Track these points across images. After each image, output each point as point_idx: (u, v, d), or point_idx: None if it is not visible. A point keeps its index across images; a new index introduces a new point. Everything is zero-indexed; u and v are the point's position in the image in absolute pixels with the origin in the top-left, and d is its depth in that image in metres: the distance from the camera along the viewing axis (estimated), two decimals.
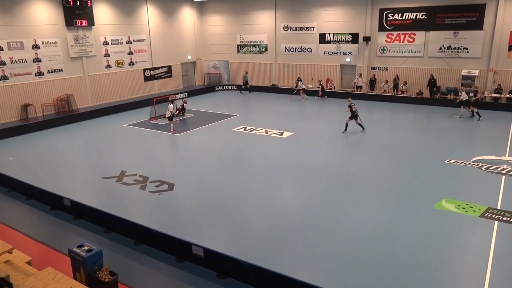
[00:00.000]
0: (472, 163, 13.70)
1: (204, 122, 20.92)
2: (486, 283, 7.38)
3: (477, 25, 23.18)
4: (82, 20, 23.57)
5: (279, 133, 18.14)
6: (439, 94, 24.68)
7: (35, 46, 21.93)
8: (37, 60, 22.07)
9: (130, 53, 27.39)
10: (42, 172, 13.78)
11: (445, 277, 7.63)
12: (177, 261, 8.44)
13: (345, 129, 18.05)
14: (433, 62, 24.96)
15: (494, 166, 13.34)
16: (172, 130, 18.47)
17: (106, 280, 6.66)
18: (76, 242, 7.48)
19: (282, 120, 20.69)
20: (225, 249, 8.27)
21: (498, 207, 10.40)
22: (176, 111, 21.84)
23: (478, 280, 7.49)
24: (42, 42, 22.18)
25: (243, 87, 30.36)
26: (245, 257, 7.71)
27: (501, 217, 9.86)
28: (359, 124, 18.10)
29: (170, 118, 18.69)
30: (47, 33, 22.41)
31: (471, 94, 20.44)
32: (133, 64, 27.68)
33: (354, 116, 17.94)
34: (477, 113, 19.98)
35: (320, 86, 27.04)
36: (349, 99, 18.59)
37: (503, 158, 14.16)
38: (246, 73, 30.80)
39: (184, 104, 22.83)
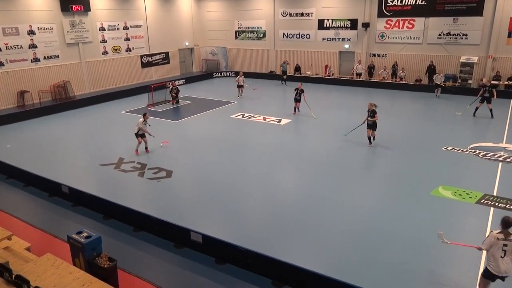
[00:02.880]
0: (469, 150, 13.74)
1: (202, 109, 20.85)
2: (481, 268, 7.47)
3: (477, 11, 22.99)
4: (78, 6, 23.25)
5: (277, 120, 18.11)
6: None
7: (31, 32, 21.67)
8: (33, 46, 21.84)
9: (127, 39, 27.12)
10: (40, 159, 13.76)
11: (441, 263, 7.73)
12: (176, 247, 8.50)
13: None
14: (432, 48, 24.82)
15: (491, 153, 13.39)
16: (135, 151, 14.06)
17: (105, 266, 6.71)
18: (75, 228, 7.51)
19: (280, 107, 20.63)
20: (224, 235, 8.33)
21: (494, 194, 10.47)
22: (172, 97, 21.78)
23: (473, 266, 7.59)
24: (38, 28, 21.92)
25: (284, 77, 27.08)
26: (244, 243, 7.78)
27: (497, 204, 9.94)
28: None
29: (137, 135, 14.01)
30: (43, 18, 22.13)
31: (486, 94, 17.71)
32: (130, 51, 27.43)
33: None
34: (490, 110, 17.87)
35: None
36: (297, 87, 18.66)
37: (500, 145, 14.21)
38: (285, 62, 27.66)
39: (173, 87, 22.06)
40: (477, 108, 18.13)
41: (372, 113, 14.03)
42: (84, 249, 6.79)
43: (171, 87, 22.23)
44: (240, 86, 23.13)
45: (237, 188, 11.30)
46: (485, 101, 17.82)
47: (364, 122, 14.41)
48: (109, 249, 7.53)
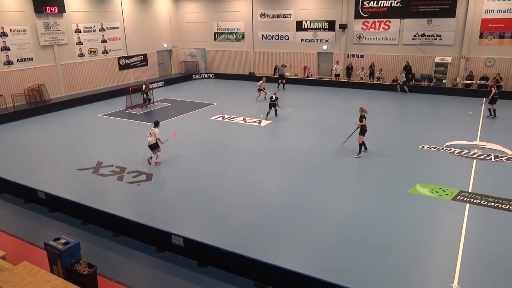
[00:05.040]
0: (445, 148, 14.10)
1: (182, 111, 20.70)
2: (458, 263, 7.69)
3: (450, 13, 23.65)
4: (52, 7, 22.73)
5: (257, 122, 18.14)
6: (413, 81, 25.18)
7: (3, 34, 21.06)
8: (5, 48, 21.23)
9: (104, 41, 26.69)
10: (15, 165, 13.38)
11: (419, 258, 7.90)
12: (157, 251, 8.40)
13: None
14: (407, 49, 25.38)
15: (466, 151, 13.77)
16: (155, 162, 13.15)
17: (85, 272, 6.58)
18: (52, 235, 7.33)
19: (260, 109, 20.67)
20: (205, 238, 8.29)
21: (470, 190, 10.78)
22: (143, 99, 21.37)
23: (451, 260, 7.79)
24: (10, 30, 21.32)
25: (283, 81, 25.72)
26: (226, 245, 7.76)
27: (472, 200, 10.23)
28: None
29: (155, 146, 12.98)
30: (15, 20, 21.54)
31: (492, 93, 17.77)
32: (107, 53, 27.00)
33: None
34: (494, 110, 17.96)
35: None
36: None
37: (474, 143, 14.64)
38: (283, 65, 26.38)
39: (145, 87, 21.54)
40: (489, 110, 18.03)
41: (360, 117, 13.62)
42: (62, 256, 6.64)
43: (145, 87, 21.62)
44: (260, 90, 22.63)
45: (218, 190, 11.26)
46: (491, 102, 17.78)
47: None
48: (88, 255, 7.39)
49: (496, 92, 17.80)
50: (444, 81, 24.42)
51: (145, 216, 9.55)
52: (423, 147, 14.30)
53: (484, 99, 19.32)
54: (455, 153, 13.62)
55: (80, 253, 6.94)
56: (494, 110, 18.01)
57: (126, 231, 8.94)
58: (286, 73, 28.69)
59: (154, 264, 8.03)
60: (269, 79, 27.77)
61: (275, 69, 29.20)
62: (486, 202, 10.07)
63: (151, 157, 13.19)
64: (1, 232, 9.25)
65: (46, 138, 16.69)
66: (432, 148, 14.14)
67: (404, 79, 23.89)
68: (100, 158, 13.77)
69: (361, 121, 13.57)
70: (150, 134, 12.78)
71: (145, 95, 21.70)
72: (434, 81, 24.67)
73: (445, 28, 24.00)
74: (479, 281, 7.23)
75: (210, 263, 7.85)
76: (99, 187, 11.60)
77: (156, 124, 12.93)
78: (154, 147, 12.88)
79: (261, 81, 22.91)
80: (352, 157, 13.54)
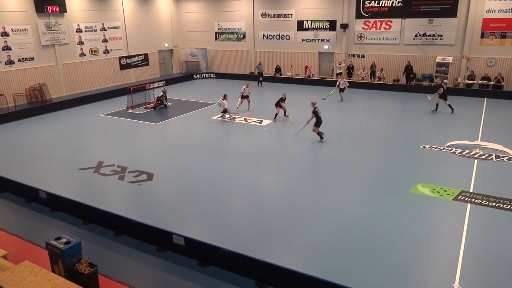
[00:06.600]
0: (446, 148, 14.09)
1: (183, 110, 20.70)
2: (459, 263, 7.68)
3: (451, 12, 23.62)
4: (54, 7, 22.76)
5: (259, 121, 18.14)
6: (415, 81, 25.15)
7: (4, 34, 21.09)
8: (6, 48, 21.26)
9: (105, 40, 26.71)
10: (16, 164, 13.39)
11: (420, 258, 7.89)
12: (158, 250, 8.41)
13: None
14: (409, 49, 25.35)
15: (467, 151, 13.75)
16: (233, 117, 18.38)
17: (86, 272, 6.59)
18: (53, 234, 7.33)
19: (261, 108, 20.66)
20: (206, 237, 8.29)
21: (471, 190, 10.76)
22: (158, 101, 21.36)
23: (452, 260, 7.78)
24: (12, 30, 21.35)
25: (260, 79, 26.88)
26: (227, 245, 7.75)
27: (473, 200, 10.21)
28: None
29: (225, 111, 18.37)
30: (17, 20, 21.57)
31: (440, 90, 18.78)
32: (108, 52, 27.03)
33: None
34: (449, 106, 18.74)
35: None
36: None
37: (475, 142, 14.62)
38: (260, 64, 27.63)
39: (164, 93, 21.78)
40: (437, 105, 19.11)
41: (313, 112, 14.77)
42: (64, 255, 6.64)
43: (162, 94, 21.54)
44: (244, 97, 20.21)
45: (218, 190, 11.26)
46: (443, 98, 18.73)
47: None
48: (89, 254, 7.39)
49: (446, 88, 18.84)
50: (445, 81, 24.37)
51: (146, 215, 9.56)
52: (424, 147, 14.29)
53: (429, 95, 20.08)
54: (456, 153, 13.61)
55: (81, 252, 6.94)
56: (447, 106, 18.75)
57: (127, 230, 8.95)
58: (287, 73, 28.77)
59: (155, 264, 8.04)
60: (270, 79, 27.89)
61: (276, 69, 29.23)
62: (487, 202, 10.06)
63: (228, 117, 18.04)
64: (3, 231, 9.27)
65: (47, 137, 16.71)
66: (433, 148, 14.13)
67: (347, 85, 22.21)
68: (101, 157, 13.78)
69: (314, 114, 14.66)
70: (220, 104, 18.14)
71: (159, 101, 21.38)
72: (435, 81, 24.64)
73: (447, 28, 23.96)
74: (480, 281, 7.22)
75: (211, 262, 7.85)
76: (100, 187, 11.61)
77: (225, 97, 18.17)
78: (225, 111, 18.26)
79: (244, 86, 20.35)
80: (352, 158, 13.54)
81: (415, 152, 13.86)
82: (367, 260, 7.85)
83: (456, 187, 10.95)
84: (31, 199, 10.76)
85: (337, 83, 22.07)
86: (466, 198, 10.31)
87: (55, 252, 6.77)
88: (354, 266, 7.69)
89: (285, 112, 18.52)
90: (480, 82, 23.35)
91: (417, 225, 9.13)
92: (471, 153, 13.54)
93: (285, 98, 18.47)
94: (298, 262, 7.73)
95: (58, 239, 6.86)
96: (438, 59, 24.32)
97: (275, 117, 18.26)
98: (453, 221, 9.31)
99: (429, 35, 24.59)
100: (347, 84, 22.20)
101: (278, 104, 18.23)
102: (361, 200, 10.47)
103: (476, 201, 10.16)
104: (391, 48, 25.91)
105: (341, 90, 21.96)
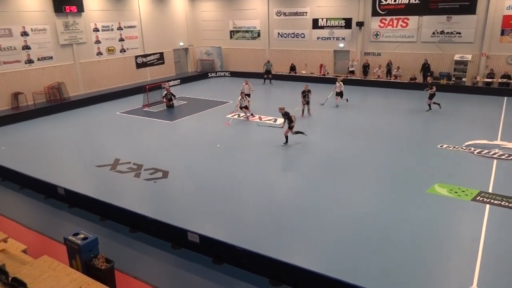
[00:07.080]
0: (464, 148, 13.82)
1: (198, 109, 20.82)
2: (478, 265, 7.53)
3: (470, 9, 23.12)
4: (71, 6, 23.12)
5: (273, 120, 18.11)
6: (432, 79, 24.69)
7: (24, 33, 21.54)
8: (26, 47, 21.71)
9: (121, 39, 27.02)
10: (35, 161, 13.68)
11: (438, 259, 7.77)
12: (173, 247, 8.48)
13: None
14: (426, 47, 24.94)
15: (486, 151, 13.47)
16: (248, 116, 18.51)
17: (103, 267, 6.69)
18: (71, 230, 7.48)
19: (275, 106, 20.56)
20: (221, 235, 8.32)
21: (490, 191, 10.54)
22: (167, 100, 21.43)
23: (470, 261, 7.64)
24: (31, 29, 21.79)
25: (265, 76, 27.44)
26: (241, 243, 7.77)
27: (492, 201, 10.01)
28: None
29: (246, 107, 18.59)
30: (36, 19, 22.00)
31: (427, 89, 19.00)
32: (125, 51, 27.34)
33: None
34: (434, 103, 18.88)
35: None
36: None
37: (494, 142, 14.31)
38: (268, 61, 27.94)
39: (168, 91, 21.40)
40: (430, 104, 19.07)
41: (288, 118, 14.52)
42: (81, 250, 6.76)
43: (165, 92, 21.62)
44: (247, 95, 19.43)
45: (233, 188, 11.30)
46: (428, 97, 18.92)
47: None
48: (106, 250, 7.49)
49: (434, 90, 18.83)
50: (463, 79, 23.93)
51: (161, 212, 9.65)
52: (442, 146, 14.05)
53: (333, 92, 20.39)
54: (475, 153, 13.34)
55: (98, 248, 7.05)
56: (433, 104, 18.95)
57: (143, 227, 9.05)
58: (302, 71, 28.62)
59: (170, 260, 8.11)
60: (285, 77, 27.80)
61: (291, 67, 29.12)
62: (506, 203, 9.84)
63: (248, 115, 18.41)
64: (23, 226, 9.50)
65: (65, 135, 17.01)
66: (451, 148, 13.88)
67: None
68: (118, 155, 13.96)
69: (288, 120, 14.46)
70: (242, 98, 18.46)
71: (166, 99, 21.52)
72: (454, 79, 24.20)
73: (465, 25, 23.48)
74: (499, 284, 7.07)
75: (225, 260, 7.88)
76: (116, 184, 11.77)
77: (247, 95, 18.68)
78: (246, 108, 18.45)
79: (243, 84, 19.96)
80: (369, 157, 13.41)
81: (433, 151, 13.64)
82: (382, 261, 7.77)
83: (475, 187, 10.74)
84: (50, 195, 10.98)
85: (335, 86, 20.73)
86: (485, 199, 10.11)
87: (73, 247, 6.89)
88: (369, 266, 7.62)
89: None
90: (500, 80, 22.83)
91: (434, 226, 8.99)
92: (490, 153, 13.26)
93: (308, 90, 18.43)
94: (312, 261, 7.70)
95: (75, 234, 6.99)
96: (456, 57, 23.87)
97: (302, 113, 18.49)
98: (471, 222, 9.14)
99: (447, 33, 24.14)
100: (343, 88, 20.36)
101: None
102: (377, 199, 10.35)
103: (495, 202, 9.95)
104: (408, 46, 25.53)
105: (338, 94, 20.26)
